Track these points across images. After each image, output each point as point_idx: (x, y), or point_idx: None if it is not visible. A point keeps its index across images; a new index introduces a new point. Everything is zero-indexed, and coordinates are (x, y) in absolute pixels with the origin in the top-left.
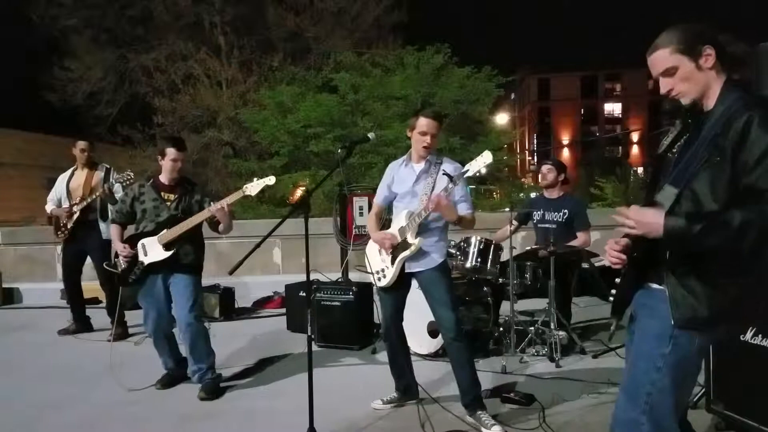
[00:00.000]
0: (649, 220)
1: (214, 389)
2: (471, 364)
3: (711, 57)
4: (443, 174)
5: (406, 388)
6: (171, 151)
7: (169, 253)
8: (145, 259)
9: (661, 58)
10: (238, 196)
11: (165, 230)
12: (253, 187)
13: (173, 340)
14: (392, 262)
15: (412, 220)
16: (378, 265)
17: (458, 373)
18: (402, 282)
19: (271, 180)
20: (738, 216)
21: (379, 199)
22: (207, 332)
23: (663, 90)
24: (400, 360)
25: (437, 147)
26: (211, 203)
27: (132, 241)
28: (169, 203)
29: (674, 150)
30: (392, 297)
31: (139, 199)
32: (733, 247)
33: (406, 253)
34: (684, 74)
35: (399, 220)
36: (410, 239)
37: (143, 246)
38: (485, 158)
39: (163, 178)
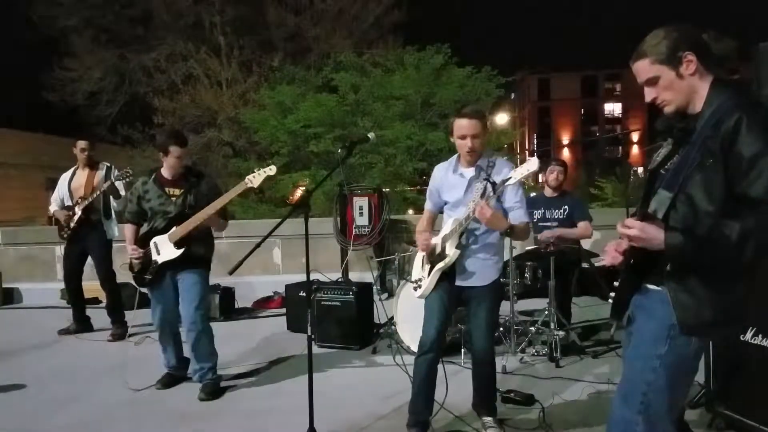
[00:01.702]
0: (650, 236)
1: (214, 390)
2: (491, 381)
3: (692, 63)
4: (484, 180)
5: (425, 425)
6: (175, 149)
7: (180, 252)
8: (159, 258)
9: (641, 68)
10: (242, 188)
11: (175, 227)
12: (255, 178)
13: (178, 336)
14: (429, 273)
15: (455, 228)
16: (418, 274)
17: (477, 387)
18: (448, 295)
19: (272, 170)
20: (736, 228)
21: (428, 204)
22: (212, 332)
23: (648, 98)
24: (431, 387)
25: (484, 147)
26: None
27: (144, 240)
28: (174, 198)
29: (667, 167)
30: (441, 307)
31: (144, 198)
32: (733, 259)
33: (441, 264)
34: (665, 84)
35: (445, 228)
36: (447, 249)
37: (155, 245)
38: (530, 166)
39: (166, 173)
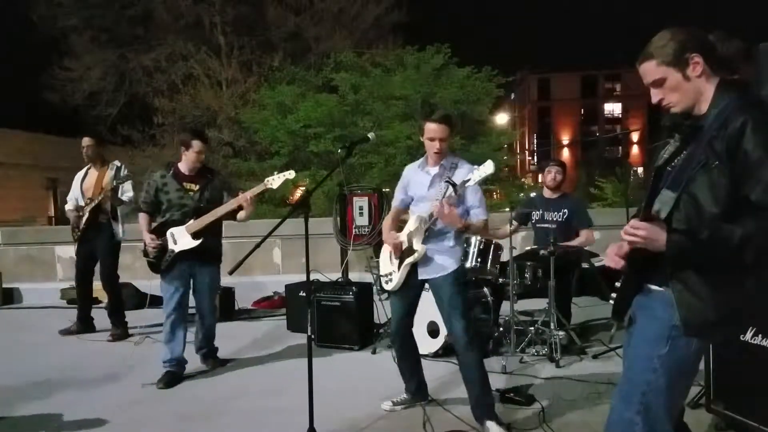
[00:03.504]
0: (654, 237)
1: (218, 360)
2: (480, 374)
3: (699, 65)
4: (446, 181)
5: (416, 390)
6: (197, 144)
7: (197, 242)
8: (175, 248)
9: (648, 69)
10: (261, 188)
11: (192, 220)
12: (275, 181)
13: (186, 326)
14: (399, 267)
15: (419, 225)
16: (387, 269)
17: (467, 383)
18: (412, 286)
19: (291, 174)
20: (737, 232)
21: (396, 201)
22: None
23: (654, 100)
24: (408, 363)
25: (451, 149)
26: (229, 195)
27: (160, 230)
28: (192, 193)
29: (674, 163)
30: (402, 301)
31: (162, 190)
32: (734, 263)
33: (410, 259)
34: (672, 85)
35: (409, 224)
36: (415, 245)
37: (172, 235)
38: (486, 168)
39: (184, 168)
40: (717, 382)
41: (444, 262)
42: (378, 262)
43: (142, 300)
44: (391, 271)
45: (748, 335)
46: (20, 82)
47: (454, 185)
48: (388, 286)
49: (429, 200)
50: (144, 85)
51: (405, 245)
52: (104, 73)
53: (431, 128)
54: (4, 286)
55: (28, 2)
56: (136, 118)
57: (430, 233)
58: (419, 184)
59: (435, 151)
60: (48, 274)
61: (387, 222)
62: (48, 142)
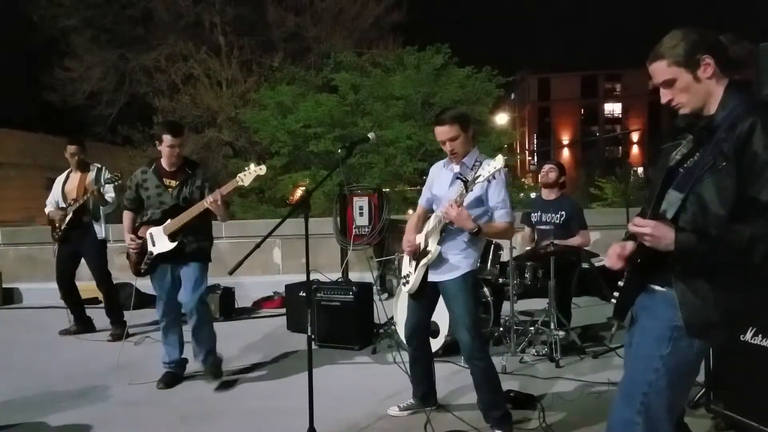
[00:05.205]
0: (662, 235)
1: (217, 371)
2: (489, 384)
3: (710, 66)
4: (456, 178)
5: (424, 395)
6: (167, 138)
7: (173, 245)
8: (154, 250)
9: (658, 69)
10: (232, 186)
11: (169, 220)
12: (246, 177)
13: (181, 330)
14: (415, 269)
15: (436, 225)
16: (406, 270)
17: (477, 390)
18: (430, 289)
19: (262, 169)
20: (746, 232)
21: (422, 200)
22: (212, 316)
23: (663, 100)
24: (421, 367)
25: (469, 147)
26: (212, 189)
27: (142, 230)
28: (171, 190)
29: (686, 165)
30: (418, 303)
31: (142, 186)
32: (741, 263)
33: (425, 260)
34: (682, 86)
35: (428, 224)
36: (430, 245)
37: (151, 236)
38: (496, 164)
39: (164, 163)
40: (717, 382)
41: (457, 262)
42: (378, 262)
43: (142, 300)
44: (409, 272)
45: (748, 335)
46: (20, 82)
47: (465, 182)
48: (406, 289)
49: (448, 199)
50: (144, 85)
51: (422, 246)
52: (104, 73)
53: (437, 131)
54: (4, 286)
55: (28, 2)
56: (136, 118)
57: (447, 233)
58: (441, 183)
59: (450, 152)
60: (48, 274)
61: (411, 222)
62: (48, 142)
